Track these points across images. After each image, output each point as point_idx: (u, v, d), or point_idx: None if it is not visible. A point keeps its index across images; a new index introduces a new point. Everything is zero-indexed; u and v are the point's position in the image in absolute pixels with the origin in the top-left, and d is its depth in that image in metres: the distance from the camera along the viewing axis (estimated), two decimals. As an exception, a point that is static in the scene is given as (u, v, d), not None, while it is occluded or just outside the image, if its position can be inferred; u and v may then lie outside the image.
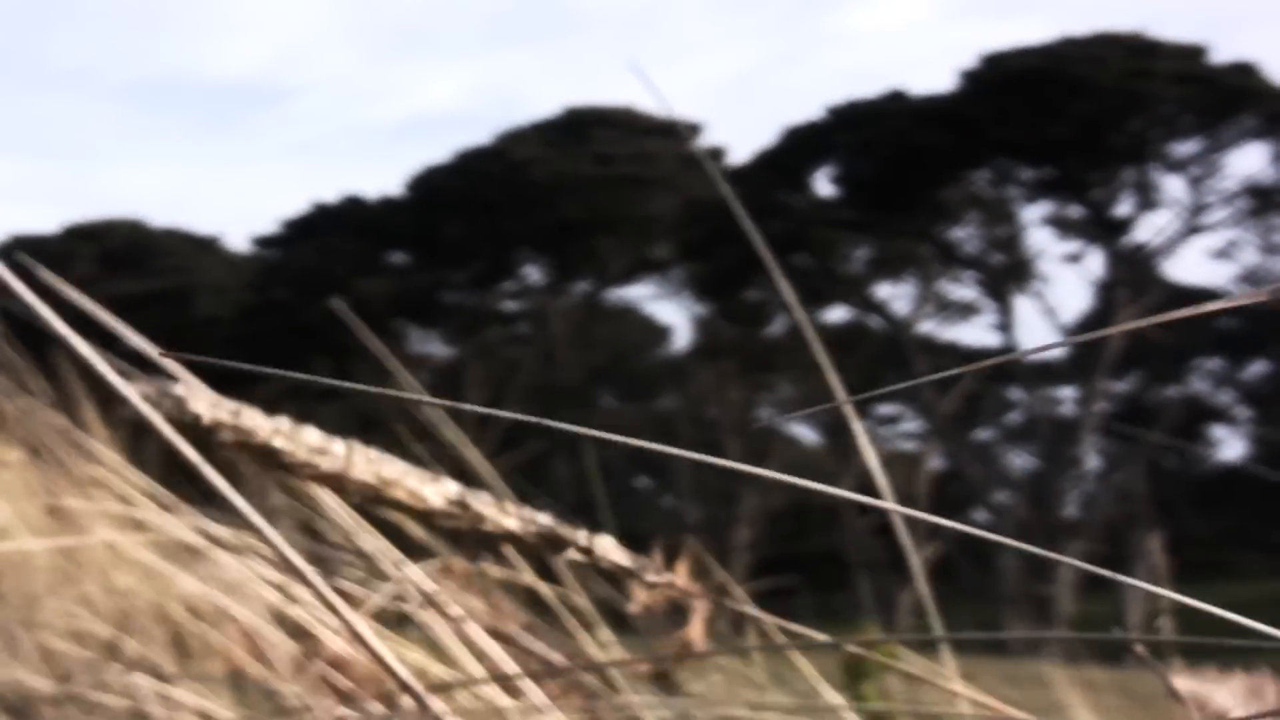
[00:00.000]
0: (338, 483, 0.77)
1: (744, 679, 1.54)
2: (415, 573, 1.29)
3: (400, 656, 1.38)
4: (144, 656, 1.67)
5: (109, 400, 0.76)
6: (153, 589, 1.69)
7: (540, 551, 0.83)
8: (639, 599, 0.93)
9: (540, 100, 52.54)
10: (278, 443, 0.75)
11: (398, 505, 0.79)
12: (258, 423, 0.75)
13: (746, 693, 1.51)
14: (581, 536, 0.84)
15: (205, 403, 0.74)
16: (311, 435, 0.76)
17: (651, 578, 0.88)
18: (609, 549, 0.85)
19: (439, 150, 42.79)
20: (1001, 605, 21.35)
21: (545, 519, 0.83)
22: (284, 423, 0.76)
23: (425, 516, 0.79)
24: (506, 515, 0.81)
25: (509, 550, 1.55)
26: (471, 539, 0.80)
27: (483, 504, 0.81)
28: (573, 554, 0.83)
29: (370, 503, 0.79)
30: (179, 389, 0.73)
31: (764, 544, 21.39)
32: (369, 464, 0.77)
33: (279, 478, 0.78)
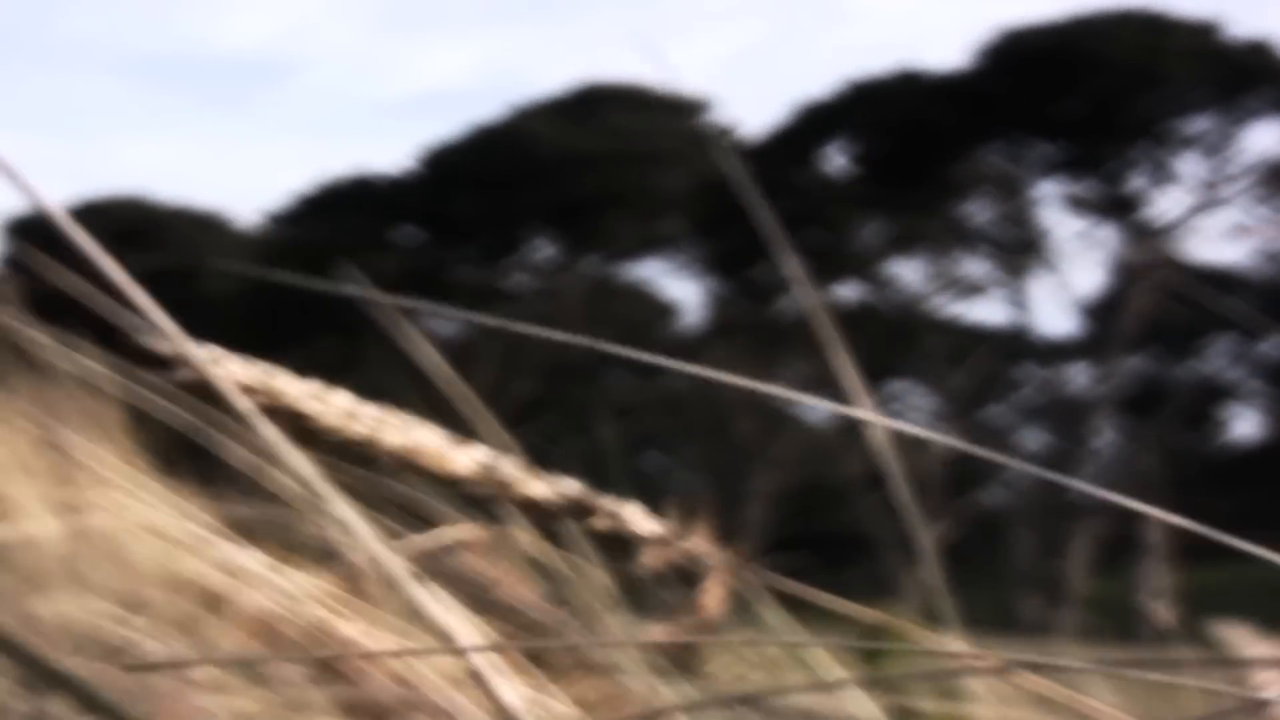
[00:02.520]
0: (368, 448, 0.76)
1: (757, 656, 1.53)
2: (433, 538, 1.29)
3: (403, 633, 1.38)
4: (152, 642, 1.66)
5: (140, 362, 0.75)
6: (160, 574, 1.68)
7: (566, 519, 0.83)
8: (649, 558, 0.92)
9: (548, 76, 52.53)
10: (308, 406, 0.75)
11: (426, 471, 0.78)
12: (289, 386, 0.74)
13: (761, 672, 1.50)
14: (608, 503, 0.83)
15: (237, 364, 0.73)
16: (342, 399, 0.76)
17: (677, 544, 0.87)
18: (636, 517, 0.84)
19: (446, 126, 42.78)
20: (1014, 584, 21.36)
21: (572, 486, 0.82)
22: (315, 386, 0.75)
23: (453, 483, 0.79)
24: (533, 482, 0.81)
25: (529, 521, 1.54)
26: (498, 505, 0.80)
27: (510, 470, 0.80)
28: (599, 522, 0.83)
29: (400, 468, 0.78)
30: (211, 350, 0.72)
31: (774, 522, 21.40)
32: (399, 430, 0.77)
33: (308, 442, 0.77)
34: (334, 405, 0.75)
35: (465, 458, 0.78)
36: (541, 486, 0.80)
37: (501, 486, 0.78)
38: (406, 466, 0.77)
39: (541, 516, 0.81)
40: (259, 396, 0.73)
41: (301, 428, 0.74)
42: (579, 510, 0.80)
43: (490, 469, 0.78)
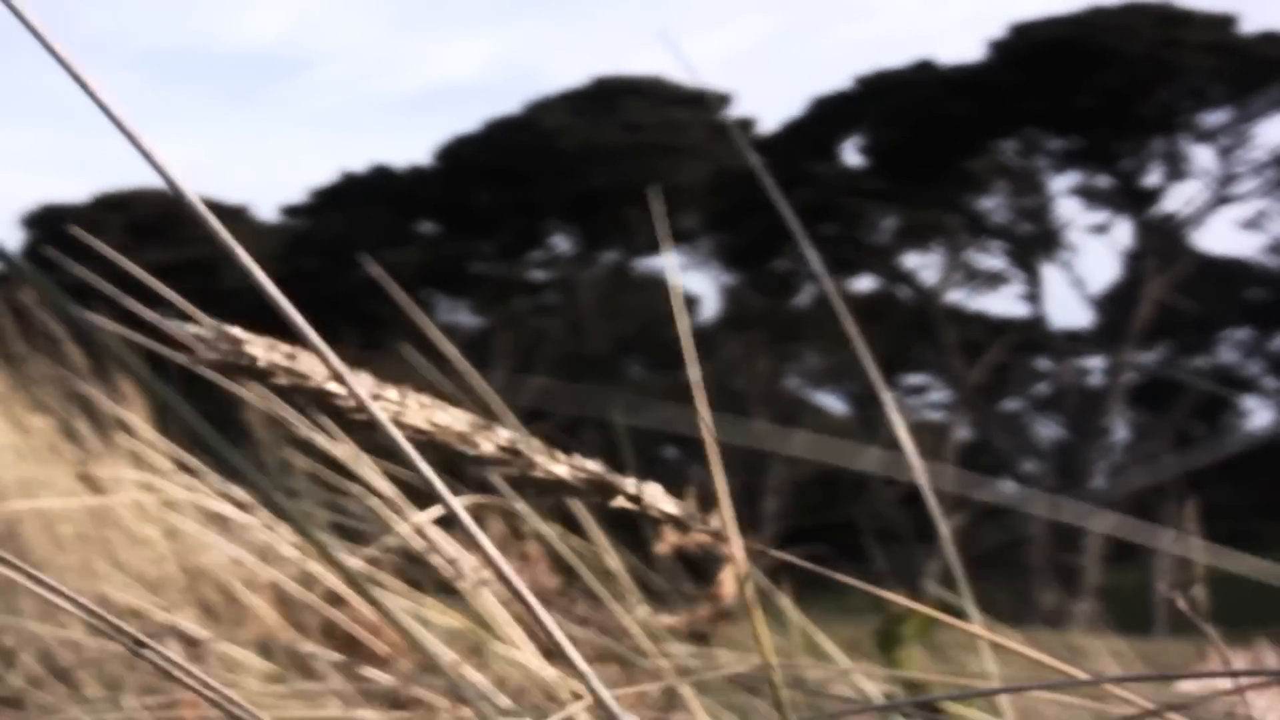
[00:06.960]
0: (391, 426, 0.77)
1: (775, 641, 1.54)
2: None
3: (429, 619, 1.39)
4: (174, 620, 1.67)
5: (165, 346, 0.76)
6: (182, 553, 1.69)
7: (588, 498, 0.84)
8: (668, 540, 0.93)
9: (563, 71, 52.40)
10: (332, 387, 0.76)
11: (450, 451, 0.79)
12: (313, 367, 0.75)
13: (780, 653, 1.51)
14: (630, 484, 0.84)
15: (261, 346, 0.74)
16: (366, 381, 0.77)
17: (698, 524, 0.88)
18: (657, 496, 0.85)
19: (462, 121, 42.76)
20: (1028, 575, 21.33)
21: (594, 466, 0.83)
22: (338, 368, 0.76)
23: (477, 462, 0.80)
24: (556, 462, 0.82)
25: (543, 516, 1.55)
26: (521, 485, 0.81)
27: (533, 450, 0.81)
28: (620, 502, 0.84)
29: (422, 448, 0.79)
30: (235, 331, 0.74)
31: (792, 514, 21.39)
32: (422, 409, 0.78)
33: (332, 422, 0.78)
34: (357, 387, 0.76)
35: (488, 437, 0.79)
36: (563, 467, 0.81)
37: (524, 466, 0.79)
38: (430, 445, 0.79)
39: (565, 494, 0.83)
40: (282, 377, 0.74)
41: (327, 407, 0.75)
42: (601, 489, 0.81)
43: (512, 449, 0.79)
